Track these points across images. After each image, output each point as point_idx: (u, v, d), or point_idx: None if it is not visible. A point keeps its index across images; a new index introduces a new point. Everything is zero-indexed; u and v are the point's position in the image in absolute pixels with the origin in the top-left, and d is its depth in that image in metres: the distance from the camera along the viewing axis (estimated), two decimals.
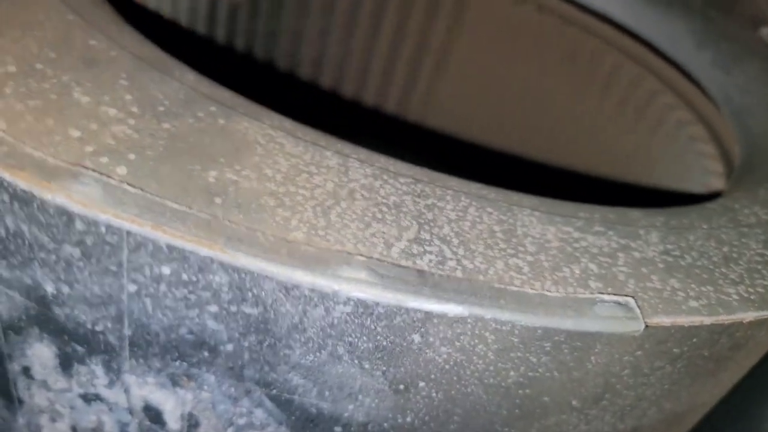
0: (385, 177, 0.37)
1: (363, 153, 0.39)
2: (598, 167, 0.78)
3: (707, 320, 0.35)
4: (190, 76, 0.41)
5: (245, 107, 0.40)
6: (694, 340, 0.38)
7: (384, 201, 0.36)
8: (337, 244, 0.32)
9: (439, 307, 0.31)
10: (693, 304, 0.36)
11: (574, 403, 0.39)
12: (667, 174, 0.73)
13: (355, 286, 0.30)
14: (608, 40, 0.85)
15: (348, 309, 0.32)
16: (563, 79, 0.92)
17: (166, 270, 0.32)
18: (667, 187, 0.72)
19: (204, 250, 0.30)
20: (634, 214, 0.43)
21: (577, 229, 0.38)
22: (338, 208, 0.34)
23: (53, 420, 0.44)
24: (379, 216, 0.34)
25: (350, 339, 0.33)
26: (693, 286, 0.37)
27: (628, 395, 0.40)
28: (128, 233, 0.31)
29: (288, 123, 0.40)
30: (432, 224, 0.35)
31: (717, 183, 0.68)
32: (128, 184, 0.31)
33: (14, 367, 0.42)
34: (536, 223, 0.38)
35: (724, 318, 0.36)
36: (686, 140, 0.75)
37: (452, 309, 0.31)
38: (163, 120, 0.36)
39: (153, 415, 0.40)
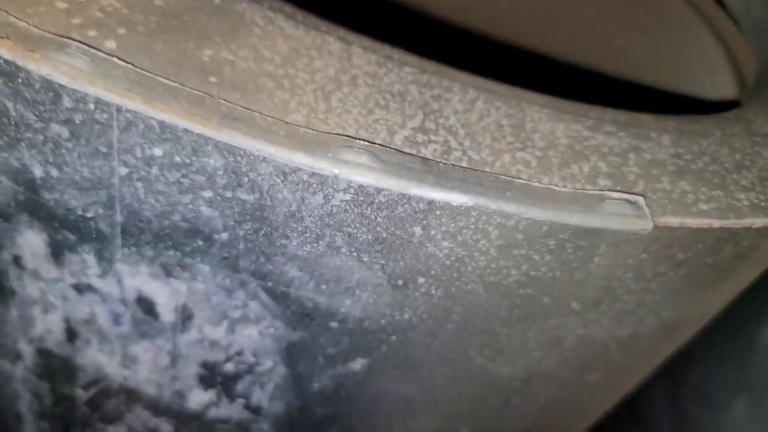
0: (390, 65, 0.35)
1: (366, 41, 0.37)
2: (607, 68, 0.75)
3: (716, 223, 0.34)
4: None
5: None
6: (700, 246, 0.37)
7: (388, 89, 0.34)
8: (338, 128, 0.30)
9: (443, 195, 0.30)
10: (703, 207, 0.35)
11: (573, 305, 0.38)
12: (676, 82, 0.71)
13: (356, 171, 0.29)
14: None
15: (348, 197, 0.31)
16: None
17: (158, 151, 0.31)
18: (678, 92, 0.70)
19: (198, 128, 0.28)
20: (646, 117, 0.41)
21: (587, 127, 0.37)
22: (340, 93, 0.32)
23: (46, 311, 0.43)
24: (383, 103, 0.33)
25: (349, 229, 0.32)
26: (703, 189, 0.36)
27: (628, 300, 0.39)
28: (118, 110, 0.29)
29: (288, 7, 0.38)
30: (438, 114, 0.33)
31: (729, 94, 0.66)
32: (118, 57, 0.29)
33: (4, 256, 0.41)
34: (545, 119, 0.36)
35: (734, 222, 0.35)
36: (699, 51, 0.73)
37: (457, 198, 0.30)
38: None
39: (146, 306, 0.39)
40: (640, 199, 0.33)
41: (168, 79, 0.29)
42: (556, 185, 0.32)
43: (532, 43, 0.76)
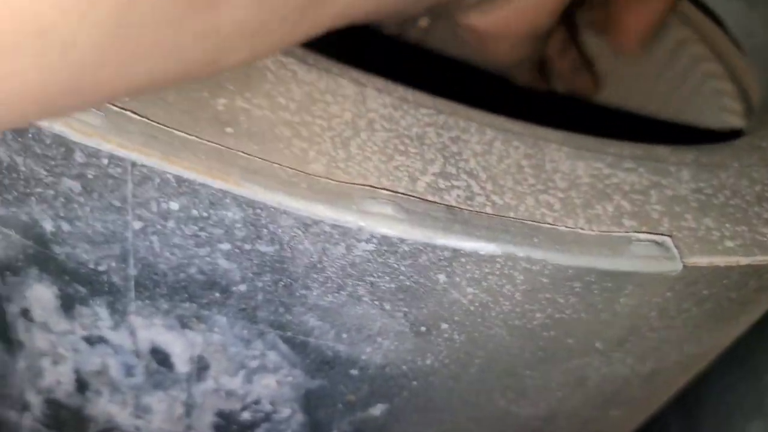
0: (405, 107, 0.35)
1: (380, 82, 0.37)
2: (609, 97, 0.75)
3: (743, 260, 0.34)
4: None
5: None
6: (725, 281, 0.36)
7: (406, 132, 0.33)
8: (359, 178, 0.30)
9: (470, 244, 0.29)
10: (729, 244, 0.34)
11: (597, 345, 0.37)
12: (682, 111, 0.70)
13: (380, 222, 0.28)
14: None
15: (371, 247, 0.30)
16: None
17: (174, 205, 0.30)
18: (683, 122, 0.69)
19: (217, 183, 0.28)
20: (662, 150, 0.41)
21: (607, 165, 0.36)
22: (358, 139, 0.32)
23: (55, 363, 0.42)
24: (402, 148, 0.32)
25: (372, 279, 0.31)
26: (727, 225, 0.35)
27: (651, 337, 0.39)
28: (133, 165, 0.29)
29: (299, 49, 0.37)
30: (458, 157, 0.33)
31: (735, 121, 0.66)
32: (132, 111, 0.28)
33: (13, 309, 0.40)
34: (565, 158, 0.36)
35: (761, 259, 0.34)
36: (701, 77, 0.73)
37: (484, 246, 0.29)
38: None
39: (161, 357, 0.38)
40: (668, 240, 0.32)
41: (184, 132, 0.28)
42: (582, 228, 0.31)
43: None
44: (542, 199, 0.32)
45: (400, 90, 0.37)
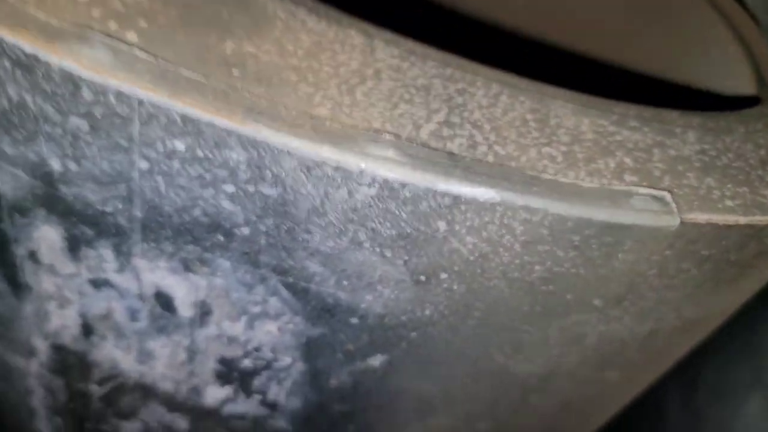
0: (413, 59, 0.35)
1: (389, 34, 0.37)
2: (626, 63, 0.75)
3: (742, 220, 0.34)
4: None
5: None
6: (724, 242, 0.36)
7: (412, 83, 0.33)
8: (363, 122, 0.30)
9: (470, 190, 0.29)
10: (729, 203, 0.34)
11: (596, 302, 0.38)
12: (696, 78, 0.70)
13: (382, 165, 0.28)
14: None
15: (372, 191, 0.30)
16: None
17: (180, 145, 0.30)
18: (697, 87, 0.69)
19: (222, 122, 0.28)
20: (670, 113, 0.41)
21: (612, 122, 0.36)
22: (364, 86, 0.32)
23: (62, 306, 0.43)
24: (407, 97, 0.32)
25: (373, 225, 0.32)
26: (729, 186, 0.35)
27: (650, 297, 0.39)
28: (140, 103, 0.29)
29: (310, 1, 0.37)
30: (462, 108, 0.33)
31: (745, 88, 0.65)
32: (140, 49, 0.29)
33: (20, 250, 0.40)
34: (570, 114, 0.36)
35: (760, 219, 0.35)
36: (716, 46, 0.72)
37: (484, 193, 0.29)
38: None
39: (164, 301, 0.39)
40: (667, 195, 0.32)
41: (192, 72, 0.29)
42: (582, 181, 0.32)
43: (553, 37, 0.76)
44: (545, 152, 0.33)
45: (409, 43, 0.37)
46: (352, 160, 0.28)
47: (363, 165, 0.28)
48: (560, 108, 0.36)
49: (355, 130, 0.29)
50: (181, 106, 0.28)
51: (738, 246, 0.37)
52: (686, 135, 0.38)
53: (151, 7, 0.32)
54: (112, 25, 0.30)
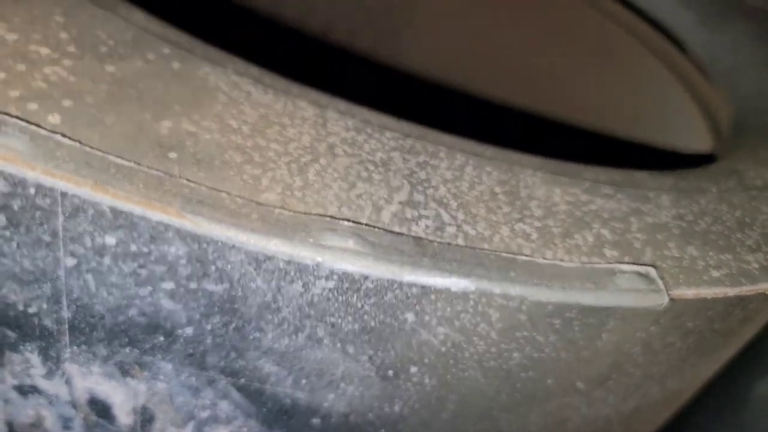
0: (369, 131, 0.32)
1: (342, 104, 0.34)
2: (580, 121, 0.74)
3: (731, 291, 0.32)
4: (140, 15, 0.35)
5: (205, 51, 0.34)
6: (709, 313, 0.34)
7: (369, 158, 0.31)
8: (317, 207, 0.27)
9: (441, 280, 0.26)
10: (714, 273, 0.32)
11: (578, 384, 0.35)
12: (651, 133, 0.69)
13: (342, 257, 0.25)
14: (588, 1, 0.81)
15: (331, 284, 0.27)
16: (537, 32, 0.87)
17: (110, 239, 0.27)
18: (655, 145, 0.69)
19: (157, 215, 0.24)
20: (641, 175, 0.39)
21: (585, 191, 0.34)
22: (317, 165, 0.29)
23: None
24: (365, 175, 0.29)
25: (332, 319, 0.28)
26: (711, 254, 0.33)
27: (634, 374, 0.36)
28: (63, 195, 0.25)
29: (254, 69, 0.34)
30: (426, 184, 0.30)
31: (703, 144, 0.65)
32: (62, 134, 0.25)
33: None
34: (540, 184, 0.33)
35: (748, 289, 0.33)
36: (668, 100, 0.72)
37: (456, 283, 0.26)
38: (107, 62, 0.30)
39: (100, 408, 0.34)
40: (652, 271, 0.30)
41: (121, 158, 0.25)
42: (561, 260, 0.29)
43: (507, 98, 0.75)
44: (518, 229, 0.30)
45: (364, 112, 0.34)
46: (306, 253, 0.25)
47: (319, 258, 0.25)
48: (529, 177, 0.34)
49: (309, 219, 0.26)
50: (109, 198, 0.25)
51: (723, 315, 0.35)
52: (660, 199, 0.36)
53: (77, 84, 0.28)
54: (32, 107, 0.26)
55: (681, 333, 0.34)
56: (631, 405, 0.40)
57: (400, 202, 0.29)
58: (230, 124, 0.29)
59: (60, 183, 0.25)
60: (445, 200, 0.30)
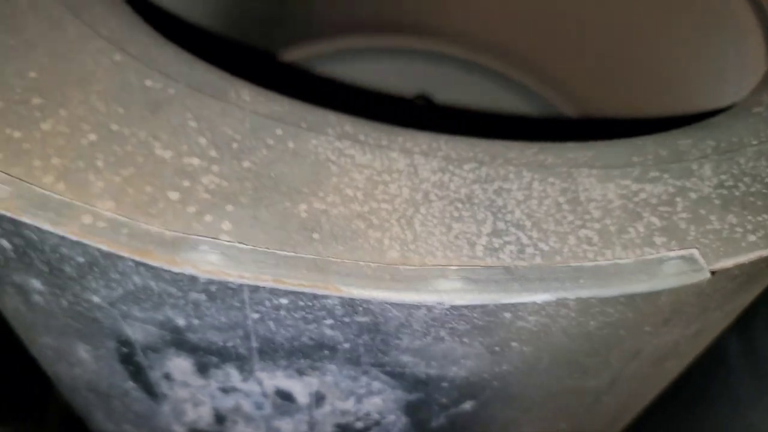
0: (451, 168, 0.40)
1: (424, 141, 0.42)
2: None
3: (765, 252, 0.39)
4: (246, 96, 0.43)
5: (306, 118, 0.42)
6: (750, 266, 0.41)
7: (456, 196, 0.39)
8: (428, 256, 0.36)
9: (528, 297, 0.35)
10: (751, 238, 0.39)
11: (646, 329, 0.44)
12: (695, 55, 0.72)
13: (454, 297, 0.35)
14: None
15: (447, 307, 0.36)
16: None
17: (284, 301, 0.37)
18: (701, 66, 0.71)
19: (320, 291, 0.34)
20: (684, 143, 0.45)
21: (635, 179, 0.41)
22: (419, 215, 0.38)
23: (196, 405, 0.51)
24: (456, 214, 0.38)
25: (450, 325, 0.38)
26: (749, 218, 0.40)
27: (693, 312, 0.45)
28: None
29: (348, 125, 0.42)
30: (504, 211, 0.38)
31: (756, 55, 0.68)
32: (240, 242, 0.35)
33: (155, 374, 0.48)
34: (596, 183, 0.41)
35: None
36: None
37: (540, 297, 0.35)
38: (242, 158, 0.39)
39: (284, 395, 0.47)
40: (695, 252, 0.38)
41: (283, 250, 0.35)
42: (619, 258, 0.37)
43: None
44: (582, 235, 0.38)
45: (443, 145, 0.42)
46: (428, 298, 0.35)
47: (438, 298, 0.35)
48: (586, 178, 0.41)
49: (426, 270, 0.35)
50: (282, 286, 0.34)
51: (756, 270, 0.42)
52: (703, 169, 0.43)
53: (230, 188, 0.38)
54: (208, 219, 0.36)
55: (728, 277, 0.42)
56: (695, 328, 0.49)
57: (487, 234, 0.37)
58: (348, 194, 0.38)
59: (247, 281, 0.35)
60: (521, 222, 0.38)
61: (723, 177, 0.43)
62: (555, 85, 0.96)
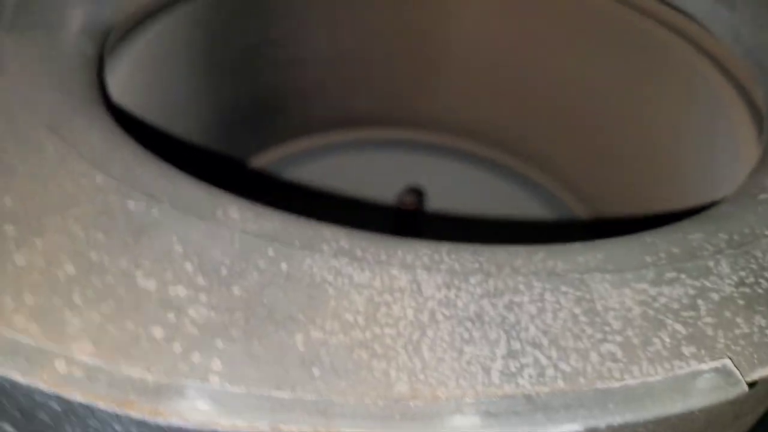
0: (457, 282, 0.38)
1: (425, 254, 0.39)
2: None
3: None
4: (234, 214, 0.41)
5: (298, 235, 0.40)
6: None
7: (465, 314, 0.36)
8: (440, 387, 0.33)
9: (554, 428, 0.32)
10: None
11: None
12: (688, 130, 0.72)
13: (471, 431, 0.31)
14: None
15: None
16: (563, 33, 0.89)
17: None
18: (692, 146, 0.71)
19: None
20: (695, 238, 0.43)
21: (651, 283, 0.39)
22: (427, 339, 0.35)
23: None
24: (467, 336, 0.35)
25: None
26: None
27: (726, 419, 0.41)
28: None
29: (344, 240, 0.40)
30: (517, 328, 0.36)
31: (745, 130, 0.67)
32: (230, 383, 0.32)
33: None
34: (611, 288, 0.38)
35: None
36: (698, 78, 0.74)
37: (567, 427, 0.32)
38: (231, 284, 0.36)
39: None
40: (728, 363, 0.35)
41: (281, 391, 0.32)
42: (648, 375, 0.34)
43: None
44: (604, 351, 0.35)
45: (445, 257, 0.39)
46: None
47: None
48: (599, 285, 0.39)
49: (438, 405, 0.32)
50: (283, 428, 0.31)
51: None
52: (720, 266, 0.41)
53: (219, 319, 0.35)
54: (196, 358, 0.33)
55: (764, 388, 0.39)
56: None
57: (502, 356, 0.34)
58: (347, 320, 0.35)
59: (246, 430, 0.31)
60: (537, 340, 0.35)
61: (742, 274, 0.40)
62: (555, 175, 0.96)
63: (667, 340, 0.36)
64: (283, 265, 0.38)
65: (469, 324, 0.36)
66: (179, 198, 0.41)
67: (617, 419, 0.32)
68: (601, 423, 0.32)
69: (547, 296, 0.37)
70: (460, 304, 0.36)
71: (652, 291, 0.38)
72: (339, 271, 0.38)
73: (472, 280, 0.38)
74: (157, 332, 0.34)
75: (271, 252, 0.38)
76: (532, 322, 0.36)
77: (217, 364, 0.33)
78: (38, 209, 0.40)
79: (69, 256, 0.37)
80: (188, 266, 0.37)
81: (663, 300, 0.38)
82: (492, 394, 0.33)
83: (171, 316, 0.35)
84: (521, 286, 0.38)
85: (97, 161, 0.43)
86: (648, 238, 0.43)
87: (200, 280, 0.36)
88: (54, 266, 0.36)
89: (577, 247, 0.42)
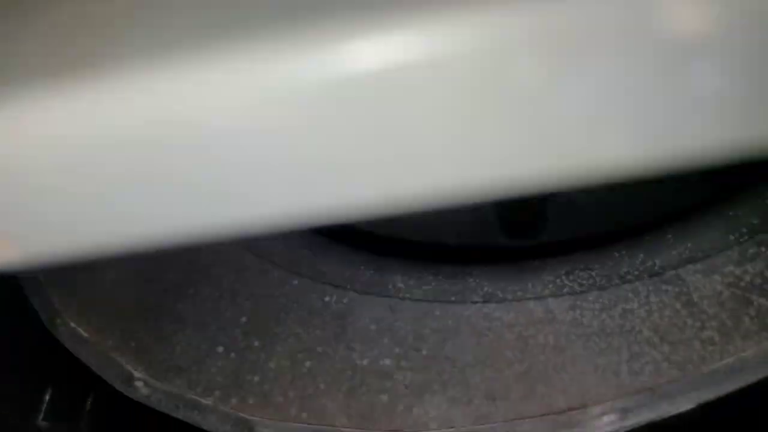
0: (579, 302, 0.50)
1: (549, 280, 0.51)
2: None
3: None
4: (399, 283, 0.55)
5: (452, 292, 0.53)
6: None
7: (591, 330, 0.48)
8: (585, 396, 0.46)
9: (674, 411, 0.44)
10: None
11: None
12: None
13: (612, 427, 0.45)
14: None
15: None
16: None
17: None
18: None
19: None
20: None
21: (735, 263, 0.49)
22: (568, 359, 0.48)
23: None
24: (596, 349, 0.48)
25: None
26: None
27: None
28: None
29: (486, 284, 0.53)
30: (633, 332, 0.48)
31: None
32: (445, 427, 0.47)
33: None
34: (702, 279, 0.49)
35: None
36: None
37: (684, 407, 0.44)
38: (419, 348, 0.51)
39: None
40: None
41: (480, 426, 0.47)
42: (742, 351, 0.45)
43: None
44: (704, 337, 0.46)
45: (566, 281, 0.51)
46: None
47: None
48: (692, 276, 0.49)
49: (587, 412, 0.45)
50: None
51: None
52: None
53: (422, 378, 0.50)
54: (416, 411, 0.48)
55: None
56: None
57: (626, 361, 0.47)
58: (507, 356, 0.49)
59: None
60: (651, 340, 0.47)
61: None
62: None
63: (755, 315, 0.46)
64: (450, 322, 0.52)
65: (596, 339, 0.48)
66: (358, 281, 0.56)
67: (720, 391, 0.44)
68: (710, 397, 0.44)
69: (652, 298, 0.49)
70: (585, 321, 0.49)
71: (738, 271, 0.48)
72: (490, 316, 0.51)
73: (590, 297, 0.50)
74: (383, 398, 0.50)
75: (437, 311, 0.52)
76: (644, 324, 0.48)
77: (430, 413, 0.48)
78: (265, 322, 0.56)
79: (303, 353, 0.53)
80: (385, 340, 0.52)
81: (747, 278, 0.48)
82: (623, 393, 0.46)
83: (387, 383, 0.50)
84: (630, 294, 0.49)
85: (289, 266, 0.58)
86: (730, 211, 0.52)
87: (396, 349, 0.51)
88: (297, 365, 0.53)
89: (669, 239, 0.52)
